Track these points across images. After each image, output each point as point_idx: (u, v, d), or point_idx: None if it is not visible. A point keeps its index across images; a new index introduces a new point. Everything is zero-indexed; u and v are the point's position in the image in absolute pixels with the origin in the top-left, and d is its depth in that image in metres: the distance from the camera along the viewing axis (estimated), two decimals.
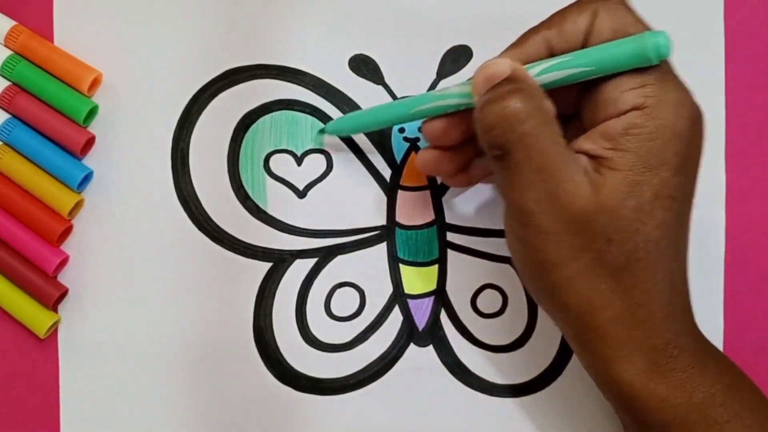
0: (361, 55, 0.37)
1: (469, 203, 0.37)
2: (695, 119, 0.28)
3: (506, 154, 0.28)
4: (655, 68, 0.28)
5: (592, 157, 0.28)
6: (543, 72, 0.29)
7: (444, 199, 0.37)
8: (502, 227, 0.37)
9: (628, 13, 0.29)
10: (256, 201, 0.37)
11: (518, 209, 0.28)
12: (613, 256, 0.28)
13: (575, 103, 0.30)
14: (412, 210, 0.37)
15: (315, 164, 0.37)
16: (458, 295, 0.37)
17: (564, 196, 0.27)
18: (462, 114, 0.31)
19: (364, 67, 0.37)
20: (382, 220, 0.37)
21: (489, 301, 0.37)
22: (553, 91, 0.29)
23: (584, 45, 0.29)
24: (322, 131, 0.37)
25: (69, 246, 0.37)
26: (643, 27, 0.28)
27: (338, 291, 0.37)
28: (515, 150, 0.28)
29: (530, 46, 0.30)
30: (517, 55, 0.30)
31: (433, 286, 0.37)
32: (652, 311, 0.28)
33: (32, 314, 0.36)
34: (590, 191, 0.27)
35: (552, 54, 0.30)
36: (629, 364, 0.29)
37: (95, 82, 0.37)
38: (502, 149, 0.28)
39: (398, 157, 0.37)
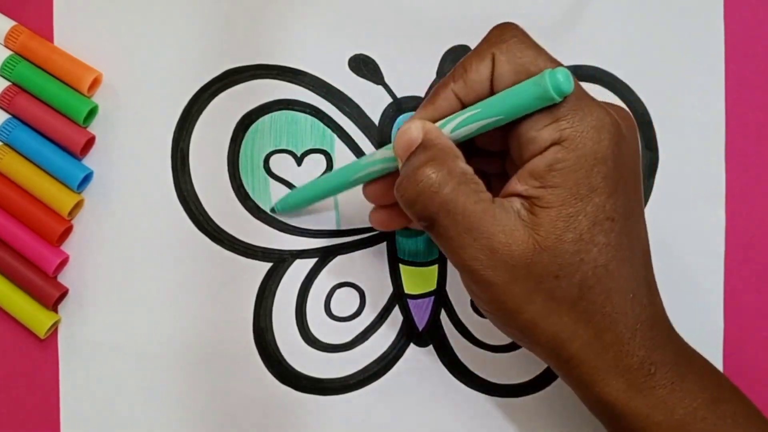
0: (361, 55, 0.37)
1: None
2: (619, 136, 0.28)
3: (433, 223, 0.28)
4: (566, 98, 0.27)
5: (525, 197, 0.28)
6: (456, 128, 0.29)
7: None
8: None
9: (525, 51, 0.28)
10: (256, 201, 0.37)
11: (461, 269, 0.28)
12: (565, 290, 0.28)
13: (504, 141, 0.30)
14: None
15: (315, 164, 0.37)
16: (458, 295, 0.37)
17: (500, 248, 0.27)
18: (393, 175, 0.31)
19: (364, 67, 0.37)
20: None
21: None
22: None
23: (492, 91, 0.29)
24: (273, 210, 0.37)
25: (69, 246, 0.37)
26: (543, 62, 0.28)
27: (338, 291, 0.37)
28: (440, 218, 0.28)
29: (442, 101, 0.30)
30: (430, 112, 0.30)
31: (433, 286, 0.37)
32: (618, 333, 0.28)
33: (32, 314, 0.36)
34: (525, 236, 0.27)
35: (464, 105, 0.30)
36: (609, 387, 0.29)
37: (95, 82, 0.37)
38: (428, 220, 0.28)
39: None
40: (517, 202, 0.28)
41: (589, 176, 0.27)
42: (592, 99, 0.28)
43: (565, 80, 0.26)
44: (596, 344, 0.28)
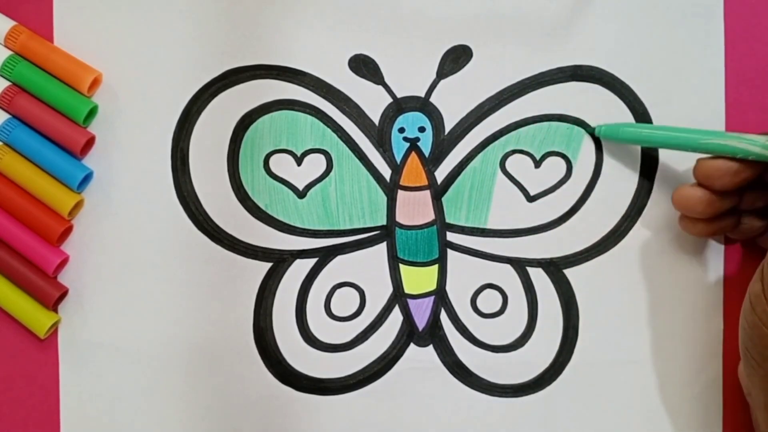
0: (361, 55, 0.37)
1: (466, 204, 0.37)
2: None
3: None
4: None
5: None
6: None
7: (444, 199, 0.37)
8: (502, 227, 0.37)
9: None
10: (256, 201, 0.37)
11: None
12: None
13: None
14: (412, 210, 0.37)
15: (315, 164, 0.37)
16: (458, 295, 0.37)
17: None
18: (749, 163, 0.32)
19: (364, 67, 0.37)
20: (382, 220, 0.37)
21: (489, 301, 0.37)
22: None
23: None
24: (591, 132, 0.37)
25: (69, 246, 0.37)
26: None
27: (338, 291, 0.37)
28: None
29: None
30: None
31: (433, 286, 0.37)
32: None
33: (32, 314, 0.36)
34: None
35: None
36: None
37: (95, 82, 0.37)
38: None
39: (398, 157, 0.37)
40: None
41: None
42: None
43: None
44: None
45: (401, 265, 0.37)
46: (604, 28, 0.37)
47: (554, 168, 0.37)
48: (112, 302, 0.37)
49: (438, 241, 0.37)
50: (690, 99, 0.37)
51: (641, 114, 0.37)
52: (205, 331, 0.37)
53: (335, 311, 0.37)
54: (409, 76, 0.37)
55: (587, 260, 0.37)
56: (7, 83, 0.37)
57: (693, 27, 0.37)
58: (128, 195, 0.37)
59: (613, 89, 0.37)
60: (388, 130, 0.37)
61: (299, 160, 0.37)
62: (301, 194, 0.37)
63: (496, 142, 0.37)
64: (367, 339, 0.37)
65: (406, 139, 0.37)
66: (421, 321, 0.37)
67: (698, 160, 0.33)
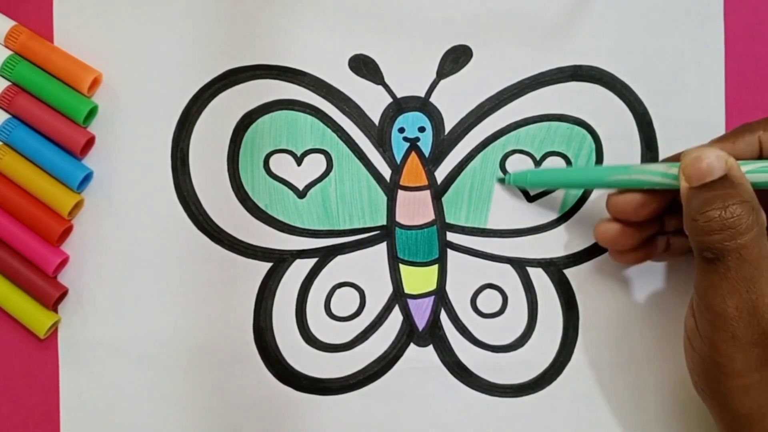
0: (361, 55, 0.37)
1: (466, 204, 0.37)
2: None
3: (718, 258, 0.28)
4: None
5: None
6: (755, 171, 0.29)
7: (444, 199, 0.37)
8: (502, 227, 0.37)
9: None
10: (256, 201, 0.37)
11: (715, 313, 0.29)
12: None
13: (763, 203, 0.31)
14: (412, 210, 0.37)
15: (315, 164, 0.37)
16: (458, 295, 0.37)
17: (763, 309, 0.28)
18: (656, 193, 0.32)
19: (364, 67, 0.37)
20: (382, 220, 0.37)
21: (489, 301, 0.37)
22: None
23: None
24: (501, 180, 0.37)
25: (69, 246, 0.37)
26: None
27: (338, 291, 0.37)
28: (729, 258, 0.28)
29: (742, 143, 0.30)
30: (727, 149, 0.30)
31: (433, 286, 0.37)
32: None
33: (32, 314, 0.36)
34: None
35: (761, 156, 0.30)
36: None
37: (95, 82, 0.37)
38: (715, 254, 0.28)
39: (398, 157, 0.37)
40: None
41: None
42: None
43: None
44: None
45: (401, 265, 0.37)
46: (604, 28, 0.37)
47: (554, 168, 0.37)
48: (112, 302, 0.37)
49: (438, 241, 0.37)
50: (690, 99, 0.37)
51: (641, 114, 0.37)
52: (205, 331, 0.37)
53: (335, 311, 0.37)
54: (409, 76, 0.37)
55: (587, 260, 0.37)
56: (7, 83, 0.37)
57: (693, 27, 0.37)
58: (128, 195, 0.37)
59: (613, 89, 0.37)
60: (388, 130, 0.37)
61: (299, 160, 0.37)
62: (301, 194, 0.37)
63: (496, 142, 0.37)
64: (367, 339, 0.37)
65: (406, 139, 0.37)
66: (421, 321, 0.37)
67: (609, 196, 0.34)
